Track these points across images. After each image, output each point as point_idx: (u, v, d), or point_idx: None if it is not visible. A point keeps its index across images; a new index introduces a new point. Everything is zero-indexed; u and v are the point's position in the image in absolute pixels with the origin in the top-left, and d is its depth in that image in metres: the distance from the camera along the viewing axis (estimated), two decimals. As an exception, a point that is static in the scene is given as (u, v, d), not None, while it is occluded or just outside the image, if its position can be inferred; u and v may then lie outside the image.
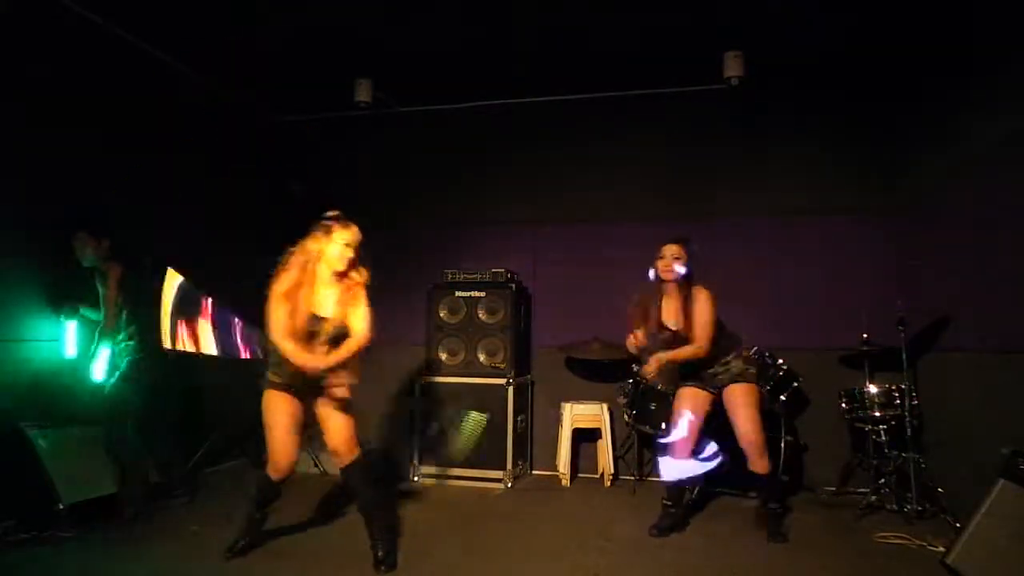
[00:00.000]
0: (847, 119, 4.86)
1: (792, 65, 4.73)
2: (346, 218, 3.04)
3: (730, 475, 4.24)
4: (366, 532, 3.05)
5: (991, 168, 3.75)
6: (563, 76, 5.00)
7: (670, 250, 3.48)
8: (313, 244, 2.99)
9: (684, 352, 3.44)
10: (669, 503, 3.61)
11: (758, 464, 3.48)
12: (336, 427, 3.05)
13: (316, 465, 4.86)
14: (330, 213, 3.05)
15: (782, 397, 4.24)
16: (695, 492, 4.15)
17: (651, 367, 3.48)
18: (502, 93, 5.29)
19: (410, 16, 4.18)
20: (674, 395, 3.68)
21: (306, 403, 3.06)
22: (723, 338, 3.53)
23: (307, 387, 3.00)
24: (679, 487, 3.64)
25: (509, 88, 5.23)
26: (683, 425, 3.50)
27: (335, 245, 2.97)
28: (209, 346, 4.90)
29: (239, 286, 5.24)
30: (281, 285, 2.92)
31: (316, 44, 4.55)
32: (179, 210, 4.74)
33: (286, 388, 2.99)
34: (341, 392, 3.04)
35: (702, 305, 3.41)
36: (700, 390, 3.55)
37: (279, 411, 2.99)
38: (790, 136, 4.95)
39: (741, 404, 3.45)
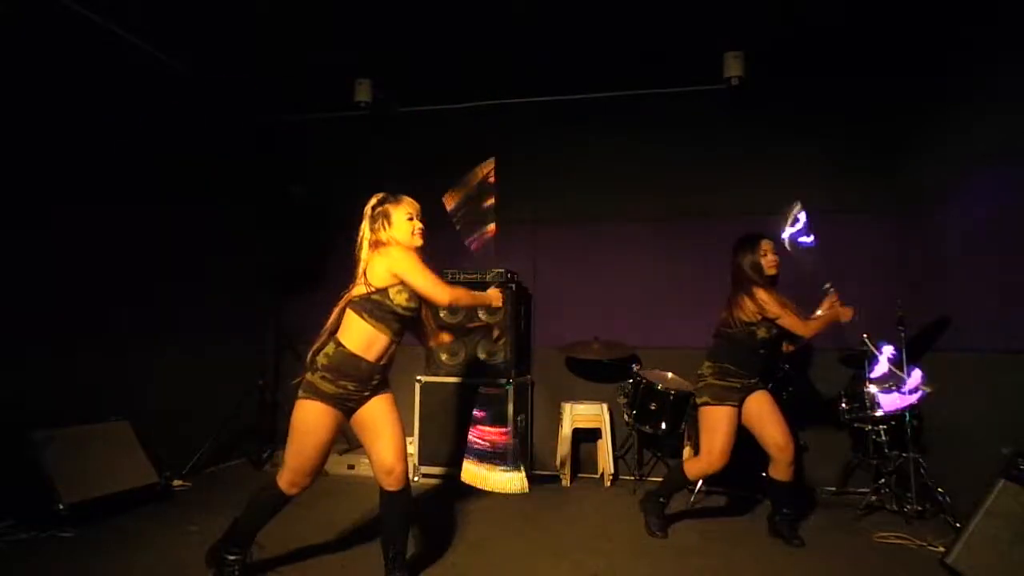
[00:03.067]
0: (847, 119, 4.86)
1: (792, 65, 4.73)
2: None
3: (730, 475, 4.25)
4: (382, 550, 2.74)
5: (991, 167, 3.75)
6: (563, 76, 5.00)
7: (771, 244, 3.55)
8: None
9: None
10: (663, 500, 3.61)
11: (785, 472, 3.36)
12: (393, 436, 2.70)
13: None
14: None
15: (782, 397, 4.23)
16: (695, 492, 4.16)
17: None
18: (503, 93, 5.29)
19: (410, 15, 4.18)
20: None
21: (347, 417, 2.72)
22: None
23: (361, 395, 2.69)
24: (673, 485, 3.65)
25: (509, 88, 5.23)
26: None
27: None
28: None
29: (242, 286, 5.30)
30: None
31: (316, 44, 4.55)
32: (177, 210, 4.74)
33: (335, 400, 2.61)
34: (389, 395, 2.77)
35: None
36: (734, 407, 3.38)
37: (321, 427, 2.61)
38: (790, 136, 4.95)
39: (768, 411, 3.36)
